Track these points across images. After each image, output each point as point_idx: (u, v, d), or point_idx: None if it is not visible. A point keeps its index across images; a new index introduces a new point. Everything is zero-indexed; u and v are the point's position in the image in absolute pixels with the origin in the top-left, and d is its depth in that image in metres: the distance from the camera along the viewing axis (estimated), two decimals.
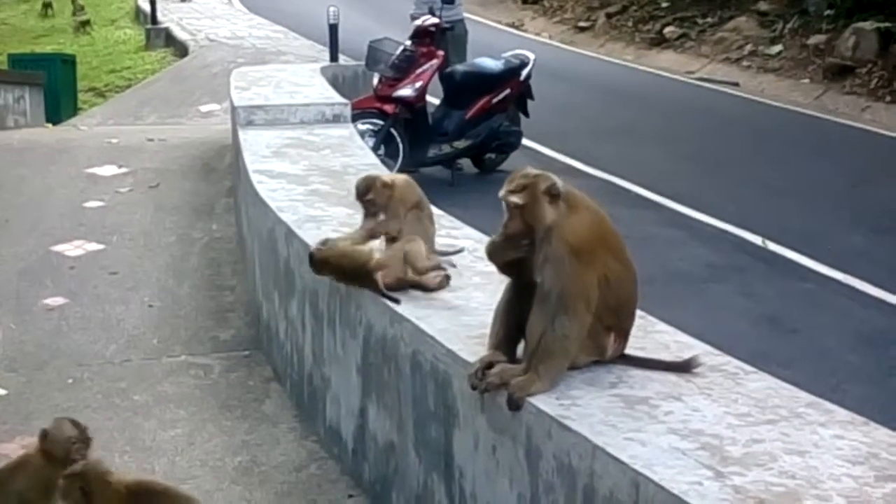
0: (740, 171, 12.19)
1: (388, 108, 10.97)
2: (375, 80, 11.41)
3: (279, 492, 4.92)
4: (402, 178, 4.97)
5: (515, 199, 3.67)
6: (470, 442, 3.94)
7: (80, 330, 6.96)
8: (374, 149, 9.55)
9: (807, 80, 17.19)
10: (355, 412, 4.94)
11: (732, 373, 3.78)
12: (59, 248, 8.44)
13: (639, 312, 3.96)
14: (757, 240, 9.64)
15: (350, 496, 4.80)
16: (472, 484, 3.95)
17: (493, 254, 3.86)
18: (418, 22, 11.57)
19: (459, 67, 11.89)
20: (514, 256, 3.76)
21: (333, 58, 14.22)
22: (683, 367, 3.78)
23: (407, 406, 4.42)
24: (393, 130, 10.93)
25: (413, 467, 4.38)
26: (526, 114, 11.80)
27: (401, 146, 10.94)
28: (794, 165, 12.46)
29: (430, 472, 4.25)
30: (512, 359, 3.85)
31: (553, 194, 3.65)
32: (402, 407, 4.47)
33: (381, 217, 4.75)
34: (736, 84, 17.82)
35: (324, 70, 11.25)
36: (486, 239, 4.08)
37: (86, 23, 26.12)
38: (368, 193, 4.76)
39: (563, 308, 3.64)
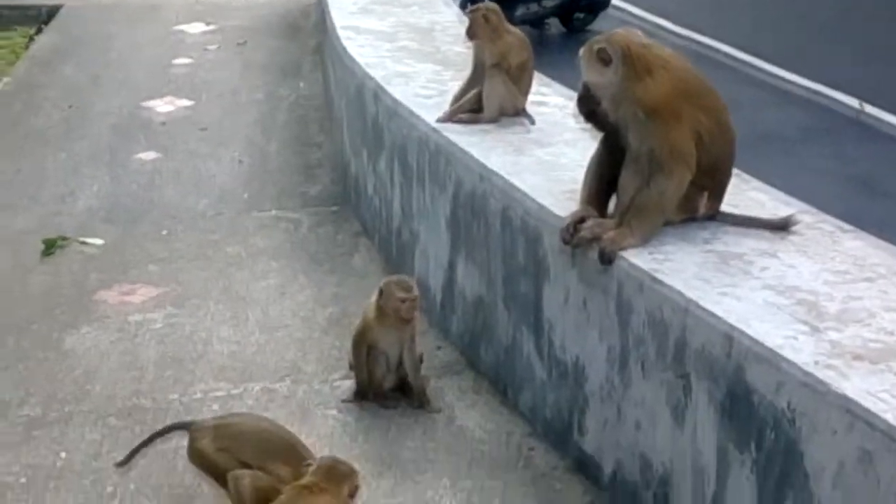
0: (836, 32, 11.80)
1: None
2: None
3: None
4: (519, 33, 5.09)
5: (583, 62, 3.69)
6: (560, 296, 3.96)
7: (173, 184, 7.09)
8: (462, 6, 9.41)
9: None
10: (444, 267, 4.99)
11: (829, 231, 3.73)
12: (149, 104, 8.54)
13: (734, 171, 3.91)
14: (852, 102, 9.38)
15: (438, 348, 4.88)
16: (561, 337, 4.00)
17: (577, 111, 3.89)
18: None
19: None
20: (593, 109, 3.77)
21: None
22: (780, 225, 3.74)
23: (496, 261, 4.45)
24: None
25: (502, 321, 4.43)
26: None
27: None
28: (894, 26, 12.02)
29: (518, 326, 4.30)
30: (603, 214, 3.85)
31: (603, 59, 3.63)
32: (491, 262, 4.50)
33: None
34: None
35: None
36: (574, 97, 4.05)
37: None
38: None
39: (659, 166, 3.62)
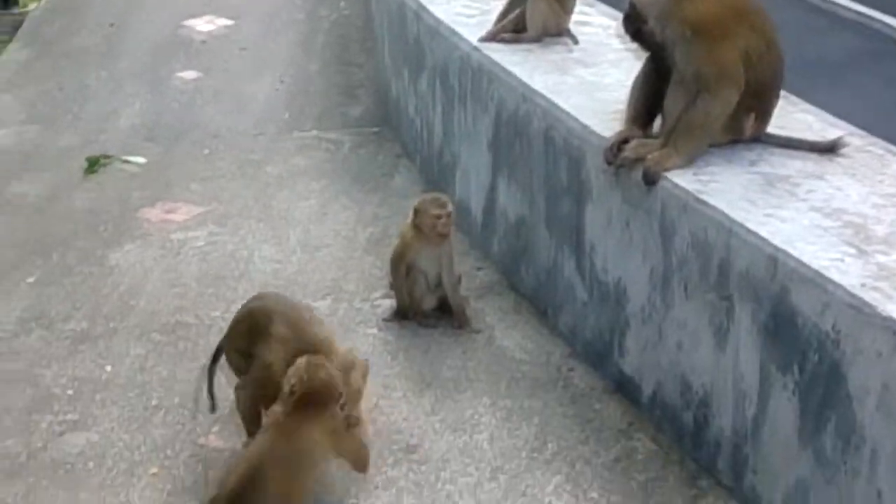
0: None
1: None
2: None
3: None
4: None
5: None
6: (602, 217, 3.94)
7: (214, 103, 7.09)
8: None
9: None
10: (485, 188, 4.98)
11: (878, 154, 3.67)
12: (189, 23, 8.51)
13: (781, 93, 3.85)
14: None
15: (479, 269, 4.88)
16: (602, 258, 3.98)
17: (622, 30, 3.84)
18: None
19: None
20: (639, 28, 3.71)
21: None
22: (827, 148, 3.68)
23: (538, 182, 4.43)
24: None
25: (543, 242, 4.42)
26: None
27: None
28: None
29: (560, 247, 4.29)
30: (648, 134, 3.82)
31: None
32: (533, 183, 4.48)
33: None
34: None
35: None
36: (619, 17, 4.00)
37: None
38: None
39: (706, 86, 3.57)
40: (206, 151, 6.37)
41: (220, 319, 4.49)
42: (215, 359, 3.74)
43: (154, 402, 3.90)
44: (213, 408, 3.70)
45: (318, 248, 5.16)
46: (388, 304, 4.55)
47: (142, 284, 4.82)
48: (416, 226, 4.37)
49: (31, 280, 4.89)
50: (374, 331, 4.41)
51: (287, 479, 3.18)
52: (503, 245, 4.84)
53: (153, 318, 4.53)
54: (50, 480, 3.50)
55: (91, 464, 3.58)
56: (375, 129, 6.65)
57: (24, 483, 3.49)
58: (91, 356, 4.24)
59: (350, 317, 4.52)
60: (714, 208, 3.32)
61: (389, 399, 3.92)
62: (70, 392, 3.98)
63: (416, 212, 4.36)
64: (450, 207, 4.34)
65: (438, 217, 4.30)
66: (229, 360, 3.70)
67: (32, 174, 6.12)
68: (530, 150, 4.47)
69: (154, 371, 4.12)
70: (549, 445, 3.64)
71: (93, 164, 6.13)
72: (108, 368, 4.14)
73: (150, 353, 4.25)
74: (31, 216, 5.61)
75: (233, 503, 3.14)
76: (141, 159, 6.24)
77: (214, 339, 4.29)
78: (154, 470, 3.54)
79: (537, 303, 4.52)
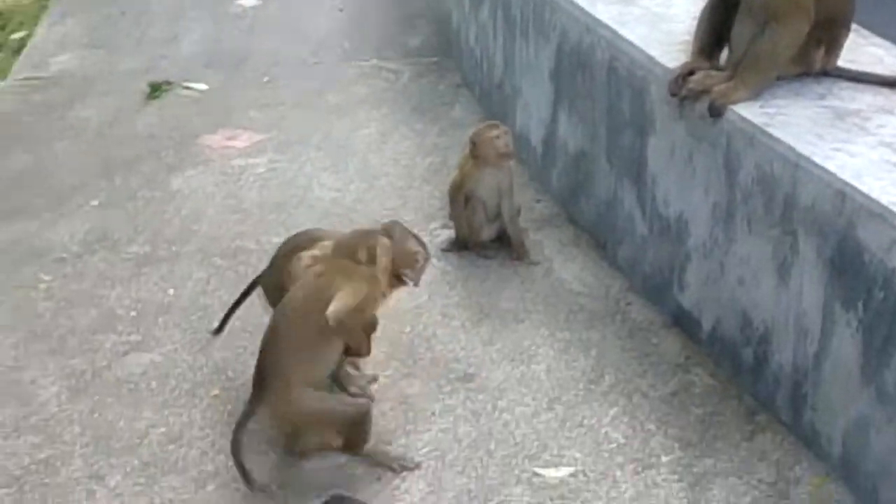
0: None
1: None
2: None
3: None
4: None
5: None
6: (665, 150, 3.90)
7: (273, 32, 7.08)
8: None
9: None
10: (546, 120, 4.94)
11: None
12: None
13: (852, 26, 3.76)
14: None
15: (538, 201, 4.87)
16: (664, 192, 3.95)
17: None
18: None
19: None
20: None
21: None
22: None
23: (600, 114, 4.38)
24: None
25: (603, 175, 4.39)
26: None
27: None
28: None
29: (620, 180, 4.26)
30: (714, 66, 3.76)
31: None
32: (595, 115, 4.43)
33: None
34: None
35: None
36: None
37: None
38: None
39: (775, 17, 3.50)
40: (266, 79, 6.38)
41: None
42: (247, 292, 3.79)
43: (215, 325, 3.95)
44: (217, 330, 3.85)
45: (376, 177, 5.16)
46: (447, 234, 4.56)
47: (203, 209, 4.87)
48: (475, 156, 4.36)
49: (94, 203, 4.96)
50: (433, 260, 4.41)
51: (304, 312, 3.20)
52: (562, 178, 4.81)
53: (214, 242, 4.58)
54: (115, 398, 3.57)
55: (154, 384, 3.64)
56: (435, 59, 6.61)
57: (89, 400, 3.57)
58: (154, 279, 4.30)
59: None
60: (781, 142, 3.28)
61: (447, 328, 3.95)
62: (133, 313, 4.05)
63: (473, 142, 4.35)
64: (505, 128, 4.33)
65: (497, 137, 4.29)
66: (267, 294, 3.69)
67: (95, 98, 6.17)
68: (593, 82, 4.42)
69: (215, 295, 4.17)
70: (606, 378, 3.64)
71: (155, 90, 6.17)
72: (171, 291, 4.20)
73: (211, 277, 4.30)
74: (94, 140, 5.67)
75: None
76: (202, 86, 6.26)
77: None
78: (215, 392, 3.60)
79: (596, 236, 4.51)
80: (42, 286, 4.25)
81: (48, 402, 3.51)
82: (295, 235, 3.76)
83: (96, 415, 3.48)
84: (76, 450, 3.33)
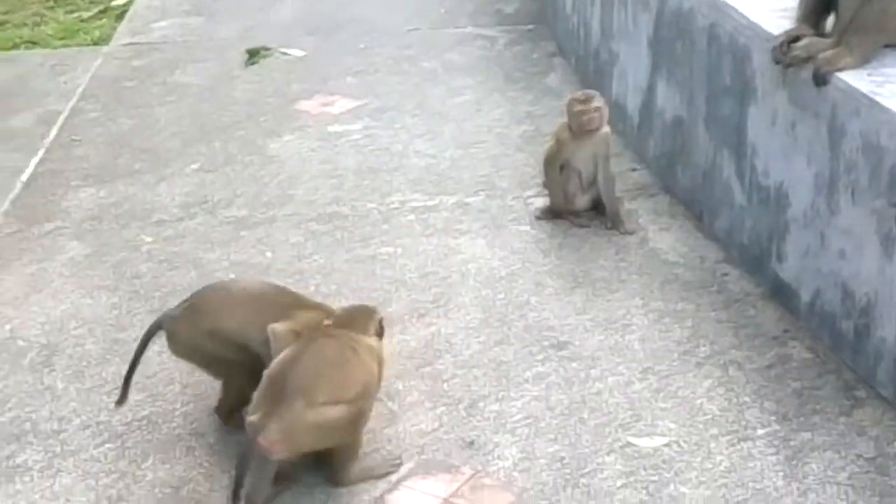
0: None
1: None
2: None
3: None
4: None
5: None
6: (766, 118, 3.83)
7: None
8: None
9: None
10: (643, 87, 4.88)
11: None
12: None
13: None
14: None
15: (633, 170, 4.82)
16: (764, 161, 3.88)
17: None
18: None
19: None
20: None
21: None
22: None
23: (700, 81, 4.32)
24: None
25: (702, 143, 4.33)
26: None
27: None
28: None
29: (719, 148, 4.19)
30: (819, 33, 3.67)
31: None
32: (693, 82, 4.37)
33: None
34: None
35: None
36: None
37: None
38: None
39: None
40: (362, 46, 6.41)
41: (376, 211, 4.57)
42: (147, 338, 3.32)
43: (311, 289, 3.99)
44: (119, 402, 3.27)
45: (471, 144, 5.17)
46: (542, 202, 4.54)
47: (299, 174, 4.92)
48: (570, 125, 4.33)
49: (194, 167, 5.05)
50: (527, 228, 4.41)
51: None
52: (659, 146, 4.76)
53: (310, 207, 4.63)
54: None
55: None
56: (530, 27, 6.58)
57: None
58: (251, 242, 4.37)
59: (502, 213, 4.53)
60: (888, 111, 3.19)
61: (540, 296, 3.94)
62: (232, 275, 4.12)
63: (567, 110, 4.33)
64: (596, 102, 4.28)
65: (582, 112, 4.25)
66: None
67: (195, 64, 6.27)
68: (692, 48, 4.35)
69: (311, 259, 4.22)
70: (702, 349, 3.61)
71: (253, 56, 6.25)
72: (268, 255, 4.27)
73: (307, 241, 4.35)
74: (195, 105, 5.76)
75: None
76: (299, 52, 6.32)
77: (370, 230, 4.40)
78: None
79: (692, 205, 4.45)
80: (143, 247, 4.35)
81: (150, 360, 3.59)
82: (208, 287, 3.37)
83: (195, 375, 3.54)
84: (177, 408, 3.41)
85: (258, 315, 3.14)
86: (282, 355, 2.97)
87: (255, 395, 2.91)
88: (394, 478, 3.06)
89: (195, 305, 3.22)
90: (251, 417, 2.83)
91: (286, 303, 3.24)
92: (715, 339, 3.65)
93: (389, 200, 4.66)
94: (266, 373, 2.94)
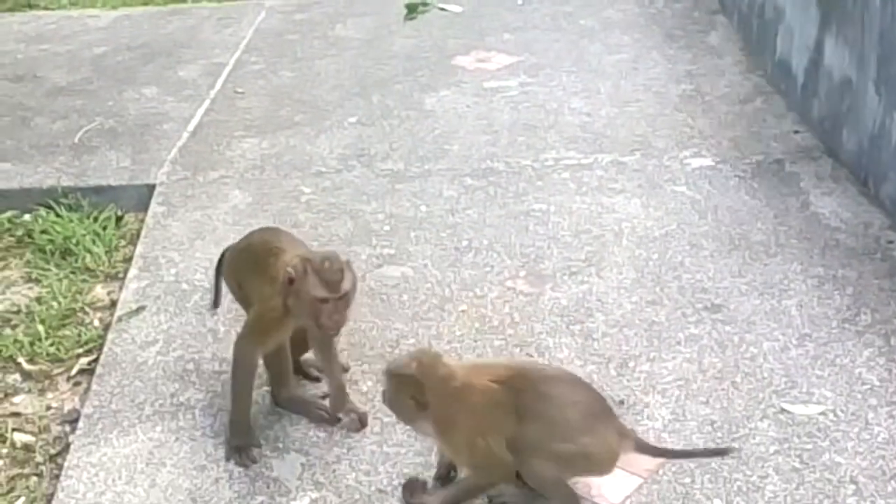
0: None
1: None
2: None
3: (722, 122, 4.90)
4: None
5: None
6: None
7: None
8: None
9: None
10: (809, 46, 4.73)
11: None
12: None
13: None
14: None
15: (796, 132, 4.69)
16: None
17: None
18: None
19: None
20: None
21: None
22: None
23: (871, 40, 4.16)
24: None
25: (870, 106, 4.18)
26: None
27: None
28: None
29: (889, 112, 4.04)
30: None
31: None
32: (865, 41, 4.21)
33: None
34: None
35: None
36: None
37: None
38: None
39: None
40: (520, 2, 6.39)
41: (530, 168, 4.57)
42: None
43: (464, 243, 4.04)
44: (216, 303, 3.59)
45: (627, 103, 5.11)
46: (698, 162, 4.47)
47: (455, 129, 4.95)
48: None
49: (352, 120, 5.13)
50: (683, 188, 4.35)
51: None
52: (824, 108, 4.61)
53: (465, 162, 4.66)
54: (368, 308, 3.72)
55: (405, 296, 3.77)
56: None
57: None
58: (406, 195, 4.42)
59: (658, 174, 4.48)
60: None
61: (695, 258, 3.88)
62: (387, 228, 4.18)
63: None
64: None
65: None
66: None
67: (355, 19, 6.36)
68: (865, 5, 4.19)
69: (465, 213, 4.25)
70: (863, 317, 3.50)
71: (412, 11, 6.29)
72: (423, 208, 4.31)
73: (461, 196, 4.39)
74: (354, 59, 5.85)
75: None
76: (457, 7, 6.34)
77: (524, 186, 4.41)
78: (463, 307, 3.68)
79: (857, 170, 4.31)
80: (303, 198, 4.45)
81: None
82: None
83: (351, 322, 3.62)
84: None
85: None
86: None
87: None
88: None
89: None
90: None
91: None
92: (877, 307, 3.54)
93: (544, 157, 4.65)
94: None
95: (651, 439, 3.01)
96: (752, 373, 3.28)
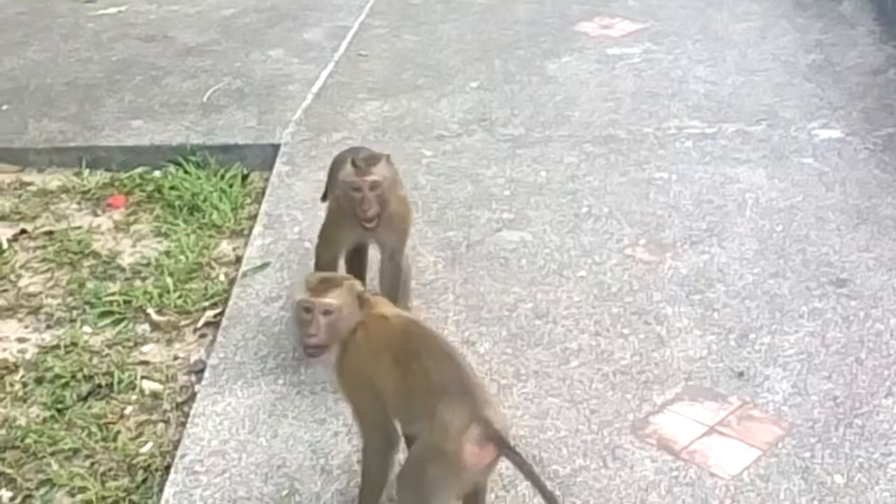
0: None
1: None
2: None
3: (853, 93, 4.77)
4: None
5: None
6: None
7: None
8: None
9: None
10: None
11: None
12: None
13: None
14: None
15: None
16: None
17: None
18: None
19: None
20: None
21: None
22: None
23: None
24: None
25: None
26: None
27: None
28: None
29: None
30: None
31: None
32: None
33: None
34: None
35: None
36: None
37: None
38: None
39: None
40: None
41: (652, 136, 4.53)
42: None
43: (584, 210, 4.02)
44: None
45: (754, 72, 5.01)
46: (826, 134, 4.37)
47: (577, 96, 4.93)
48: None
49: (474, 84, 5.14)
50: (810, 160, 4.26)
51: None
52: None
53: (586, 128, 4.63)
54: (486, 271, 3.74)
55: (524, 261, 3.78)
56: None
57: (463, 271, 3.75)
58: (527, 160, 4.42)
59: (784, 144, 4.39)
60: None
61: (820, 231, 3.81)
62: (507, 192, 4.19)
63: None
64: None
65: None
66: None
67: None
68: None
69: (585, 180, 4.24)
70: None
71: None
72: (543, 174, 4.31)
73: (582, 163, 4.37)
74: (476, 24, 5.85)
75: None
76: None
77: (645, 154, 4.38)
78: (582, 273, 3.68)
79: None
80: (424, 161, 4.48)
81: (426, 269, 3.73)
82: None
83: (469, 285, 3.65)
84: (450, 316, 3.53)
85: None
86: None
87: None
88: (658, 400, 3.07)
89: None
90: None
91: None
92: None
93: (666, 126, 4.60)
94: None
95: (770, 412, 2.98)
96: (878, 349, 3.21)
